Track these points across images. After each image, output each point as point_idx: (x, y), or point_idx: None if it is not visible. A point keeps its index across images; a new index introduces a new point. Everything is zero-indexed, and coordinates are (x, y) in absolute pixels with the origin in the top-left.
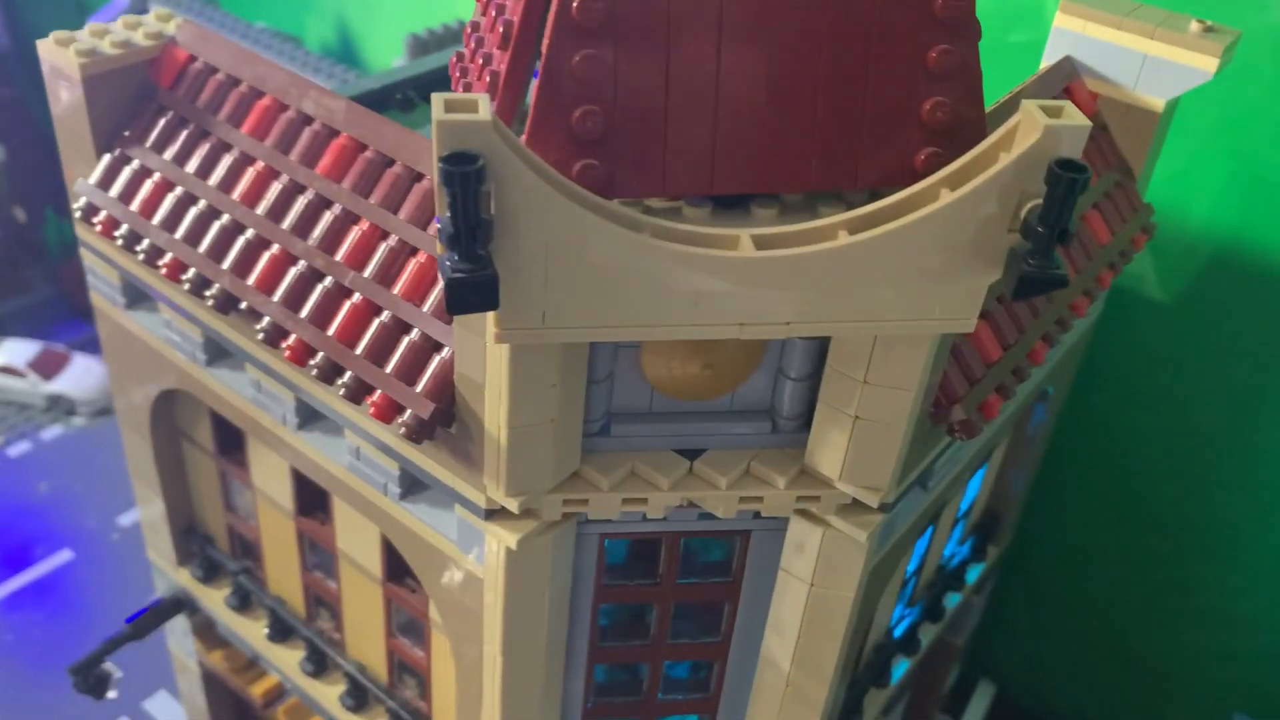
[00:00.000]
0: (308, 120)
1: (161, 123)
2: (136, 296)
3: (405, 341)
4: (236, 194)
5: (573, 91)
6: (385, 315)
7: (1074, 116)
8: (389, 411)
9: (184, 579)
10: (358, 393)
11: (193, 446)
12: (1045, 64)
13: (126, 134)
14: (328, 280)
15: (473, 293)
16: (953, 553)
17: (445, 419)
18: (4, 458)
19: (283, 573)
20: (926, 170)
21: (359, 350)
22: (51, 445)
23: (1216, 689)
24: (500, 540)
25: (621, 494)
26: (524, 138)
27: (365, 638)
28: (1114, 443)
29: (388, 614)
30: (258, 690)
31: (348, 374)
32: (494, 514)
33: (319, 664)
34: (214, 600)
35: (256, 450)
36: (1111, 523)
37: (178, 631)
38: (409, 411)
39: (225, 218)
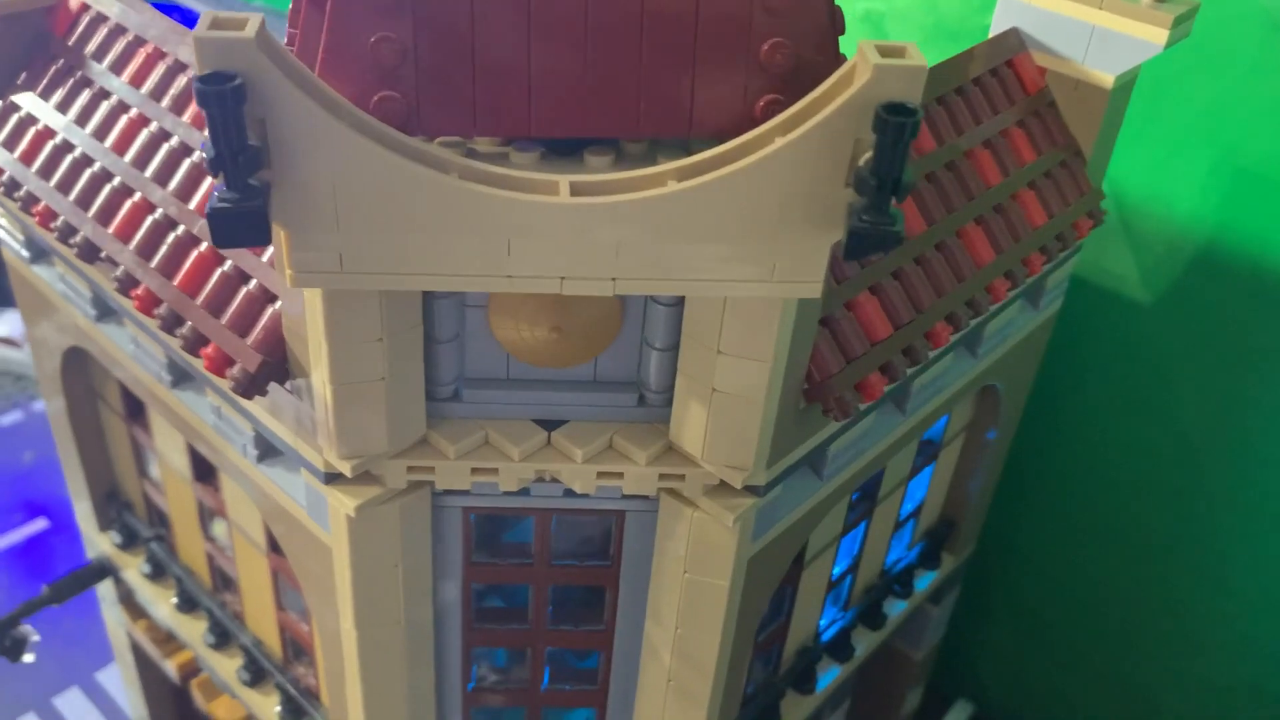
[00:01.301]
0: (183, 68)
1: (51, 71)
2: (39, 251)
3: (243, 292)
4: (109, 142)
5: (367, 17)
6: (228, 265)
7: (912, 57)
8: (220, 364)
9: (105, 545)
10: (194, 344)
11: (107, 409)
12: (992, 35)
13: (19, 82)
14: (180, 229)
15: (237, 223)
16: (899, 558)
17: (278, 374)
18: None
19: (189, 542)
20: (767, 118)
21: (199, 300)
22: (42, 416)
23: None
24: (340, 506)
25: (470, 463)
26: (317, 67)
27: (260, 611)
28: (1096, 453)
29: (275, 587)
30: (176, 662)
31: (187, 324)
32: (336, 478)
33: (221, 637)
34: (131, 568)
35: (154, 412)
36: (1096, 539)
37: (108, 600)
38: (238, 365)
39: (97, 165)
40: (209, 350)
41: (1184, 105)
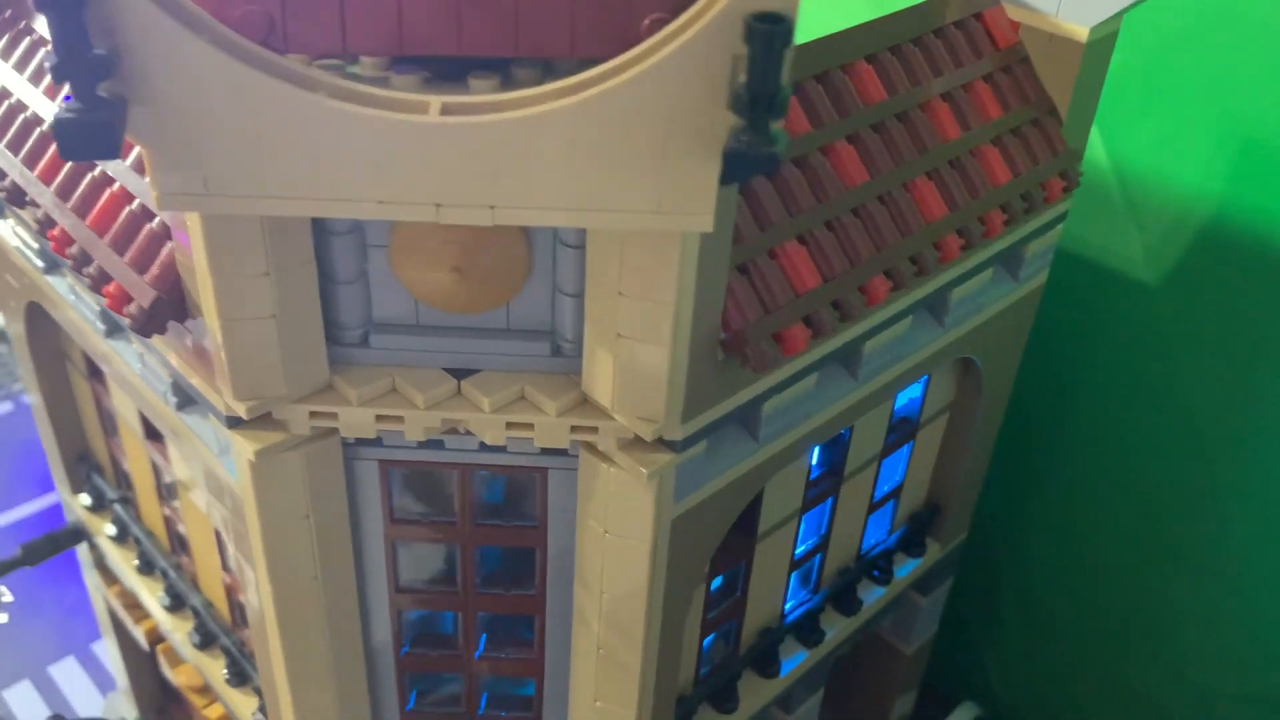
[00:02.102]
0: None
1: None
2: None
3: (145, 229)
4: (43, 86)
5: None
6: (135, 203)
7: None
8: (120, 301)
9: (78, 508)
10: (99, 282)
11: (73, 369)
12: None
13: None
14: (97, 169)
15: (84, 135)
16: (878, 541)
17: (176, 312)
18: None
19: (149, 503)
20: (652, 37)
21: (107, 239)
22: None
23: None
24: (242, 451)
25: (375, 410)
26: None
27: (209, 573)
28: (1103, 446)
29: (219, 547)
30: (145, 628)
31: (94, 263)
32: (239, 423)
33: (175, 600)
34: (99, 530)
35: (102, 366)
36: (1105, 537)
37: (86, 565)
38: (134, 301)
39: (30, 110)
40: (111, 288)
41: (1187, 74)
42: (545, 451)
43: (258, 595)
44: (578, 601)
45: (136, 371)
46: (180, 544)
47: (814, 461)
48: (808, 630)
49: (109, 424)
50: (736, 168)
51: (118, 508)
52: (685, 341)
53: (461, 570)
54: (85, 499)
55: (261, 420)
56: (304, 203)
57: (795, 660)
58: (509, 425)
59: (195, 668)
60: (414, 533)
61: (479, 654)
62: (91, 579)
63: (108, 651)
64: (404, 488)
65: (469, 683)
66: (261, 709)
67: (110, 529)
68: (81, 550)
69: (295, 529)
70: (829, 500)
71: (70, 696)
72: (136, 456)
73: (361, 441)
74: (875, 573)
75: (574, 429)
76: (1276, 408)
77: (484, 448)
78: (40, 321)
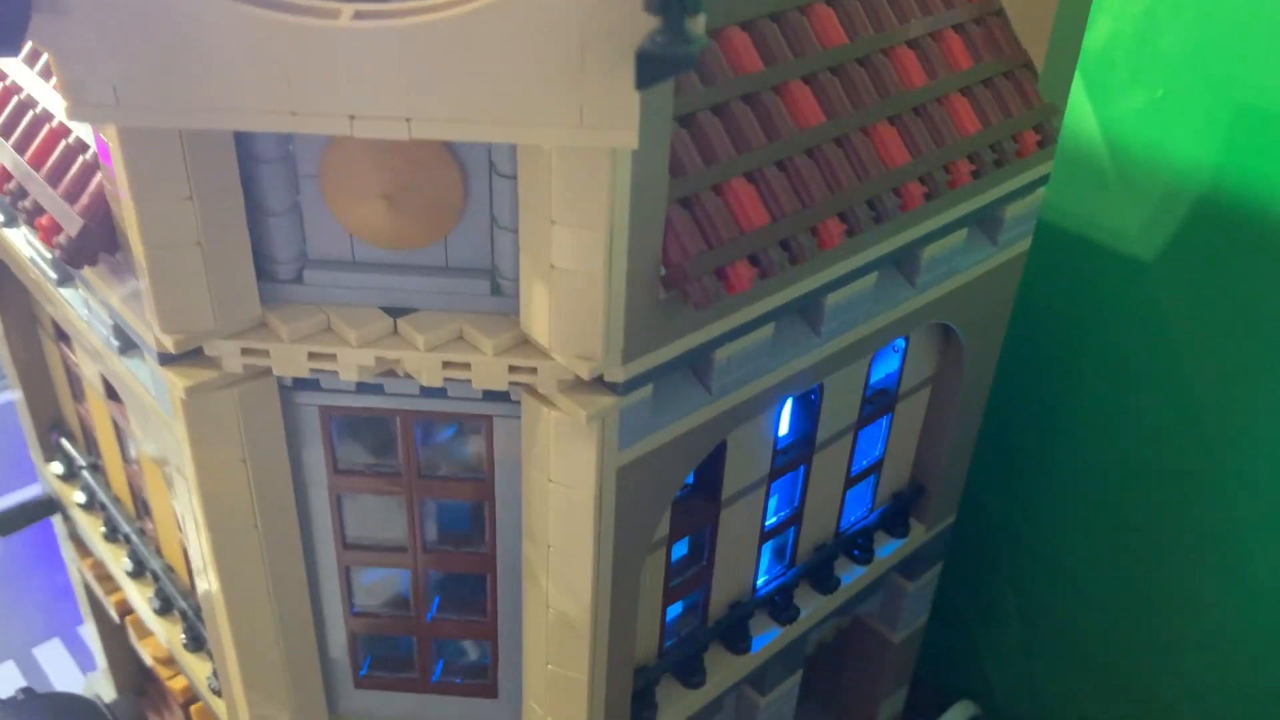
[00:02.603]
0: None
1: None
2: None
3: (79, 160)
4: None
5: None
6: (72, 137)
7: None
8: (51, 232)
9: (50, 477)
10: (33, 215)
11: (44, 333)
12: None
13: None
14: (39, 106)
15: None
16: (859, 519)
17: (105, 242)
18: None
19: (115, 467)
20: None
21: (42, 173)
22: None
23: None
24: (173, 388)
25: (307, 347)
26: None
27: (168, 535)
28: (1100, 431)
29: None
30: (114, 600)
31: (29, 196)
32: (171, 360)
33: (138, 565)
34: (69, 498)
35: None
36: (1104, 527)
37: (62, 537)
38: (63, 231)
39: None
40: (43, 220)
41: (1177, 40)
42: (488, 397)
43: (199, 547)
44: (526, 558)
45: (84, 319)
46: (144, 509)
47: (783, 428)
48: (781, 607)
49: (77, 388)
50: (650, 68)
51: (86, 474)
52: (622, 273)
53: (409, 526)
54: (57, 467)
55: (194, 358)
56: (214, 113)
57: (768, 637)
58: (446, 365)
59: (156, 634)
60: (358, 484)
61: (430, 616)
62: (67, 551)
63: (88, 631)
64: (346, 437)
65: (422, 648)
66: (216, 674)
67: (80, 496)
68: (58, 524)
69: (232, 474)
70: (800, 470)
71: (54, 678)
72: (101, 419)
73: (300, 385)
74: (855, 552)
75: (512, 369)
76: (1274, 381)
77: (425, 393)
78: (8, 284)
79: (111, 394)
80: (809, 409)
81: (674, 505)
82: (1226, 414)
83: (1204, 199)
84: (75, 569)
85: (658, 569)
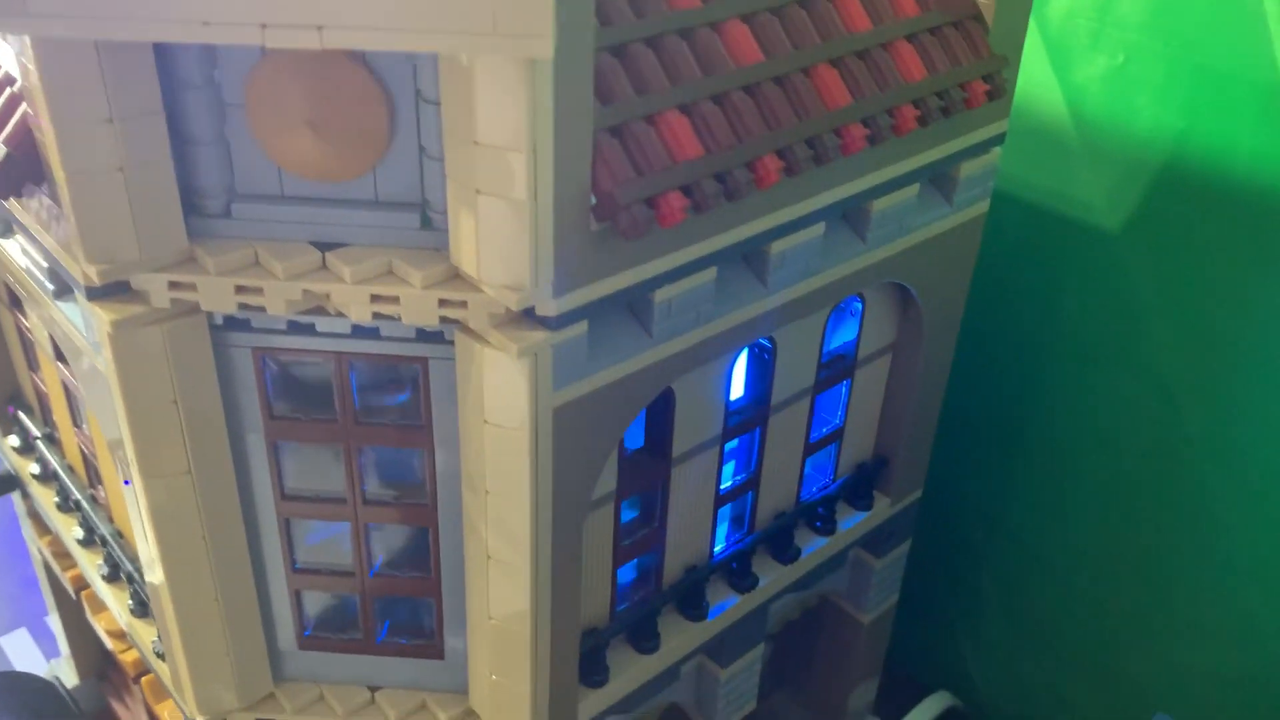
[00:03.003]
0: None
1: None
2: None
3: (7, 92)
4: None
5: None
6: (2, 72)
7: None
8: None
9: (7, 450)
10: None
11: (1, 305)
12: None
13: None
14: None
15: None
16: (821, 487)
17: (30, 171)
18: None
19: (68, 435)
20: None
21: None
22: None
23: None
24: (100, 323)
25: (235, 280)
26: None
27: (118, 499)
28: (1074, 412)
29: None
30: (71, 575)
31: None
32: (99, 294)
33: (88, 532)
34: (25, 472)
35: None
36: (1082, 510)
37: (21, 515)
38: None
39: None
40: None
41: (1137, 6)
42: (422, 338)
43: (135, 498)
44: (466, 507)
45: (23, 268)
46: (95, 476)
47: (737, 389)
48: (740, 574)
49: (32, 356)
50: None
51: (41, 445)
52: (549, 198)
53: (347, 476)
54: (14, 440)
55: (122, 294)
56: (126, 23)
57: (725, 605)
58: (374, 300)
59: (106, 603)
60: (295, 431)
61: (373, 573)
62: (27, 530)
63: (54, 621)
64: (281, 382)
65: (365, 607)
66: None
67: (34, 468)
68: (19, 503)
69: (163, 416)
70: (756, 432)
71: (20, 667)
72: (53, 385)
73: (231, 325)
74: (818, 523)
75: (443, 304)
76: (1246, 353)
77: (357, 333)
78: None
79: (60, 355)
80: (763, 369)
81: (623, 462)
82: (1197, 385)
83: (1168, 165)
84: (35, 548)
85: (606, 526)
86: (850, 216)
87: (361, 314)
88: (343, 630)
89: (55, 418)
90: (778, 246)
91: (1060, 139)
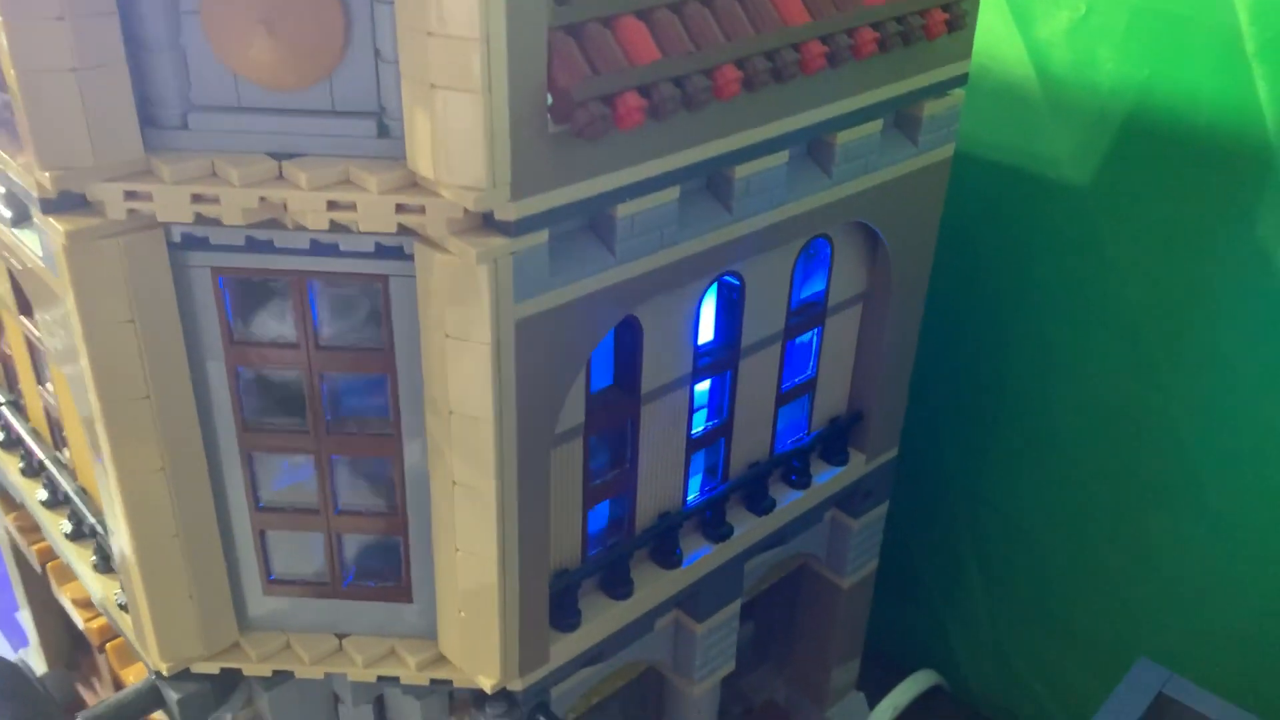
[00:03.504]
0: None
1: None
2: None
3: None
4: None
5: None
6: None
7: None
8: None
9: None
10: None
11: None
12: None
13: None
14: None
15: None
16: (796, 440)
17: None
18: None
19: (33, 396)
20: None
21: None
22: None
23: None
24: (55, 236)
25: (190, 189)
26: None
27: (82, 453)
28: (1048, 371)
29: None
30: (38, 549)
31: None
32: (54, 207)
33: (53, 493)
34: None
35: None
36: (1060, 476)
37: None
38: None
39: None
40: None
41: None
42: (382, 254)
43: (94, 430)
44: (430, 431)
45: None
46: (60, 438)
47: (707, 331)
48: (714, 523)
49: None
50: None
51: (5, 411)
52: (504, 91)
53: (309, 405)
54: None
55: (78, 207)
56: None
57: (700, 554)
58: (331, 206)
59: (65, 564)
60: (254, 357)
61: (338, 509)
62: None
63: (24, 616)
64: (241, 306)
65: (331, 547)
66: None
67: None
68: None
69: (120, 336)
70: (727, 376)
71: None
72: (17, 343)
73: (189, 244)
74: (793, 477)
75: (400, 210)
76: (1218, 300)
77: (316, 250)
78: None
79: (24, 308)
80: (733, 311)
81: (591, 399)
82: (1170, 335)
83: (1133, 115)
84: (1, 528)
85: (575, 462)
86: (815, 151)
87: (319, 221)
88: (309, 574)
89: (20, 380)
90: (741, 171)
91: (1025, 96)
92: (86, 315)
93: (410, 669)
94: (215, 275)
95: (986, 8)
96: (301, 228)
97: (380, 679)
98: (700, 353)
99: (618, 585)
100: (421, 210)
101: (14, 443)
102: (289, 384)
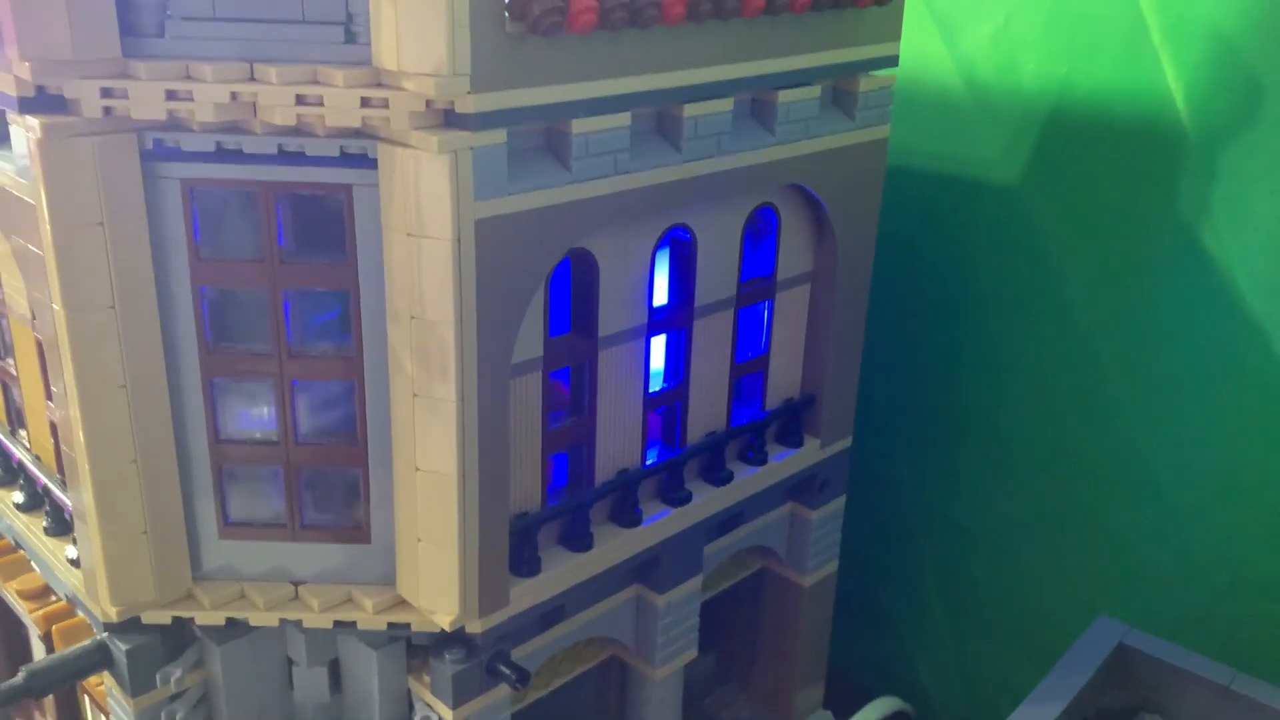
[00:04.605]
0: None
1: None
2: None
3: None
4: None
5: None
6: None
7: None
8: None
9: None
10: None
11: None
12: None
13: None
14: None
15: None
16: (752, 417)
17: None
18: None
19: None
20: None
21: None
22: None
23: None
24: (30, 132)
25: (165, 85)
26: None
27: (36, 415)
28: (996, 370)
29: (42, 366)
30: None
31: None
32: (31, 106)
33: (6, 469)
34: None
35: None
36: (1010, 480)
37: None
38: None
39: None
40: None
41: None
42: (346, 162)
43: (56, 343)
44: (391, 344)
45: None
46: (17, 416)
47: (660, 292)
48: (672, 487)
49: None
50: None
51: None
52: None
53: (273, 325)
54: None
55: (54, 107)
56: None
57: (659, 516)
58: (299, 101)
59: (12, 548)
60: (220, 273)
61: (299, 440)
62: None
63: None
64: (208, 220)
65: (290, 481)
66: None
67: None
68: None
69: (88, 240)
70: (682, 336)
71: None
72: None
73: (160, 154)
74: (749, 454)
75: (365, 104)
76: (1150, 276)
77: (283, 157)
78: None
79: None
80: (685, 270)
81: (550, 342)
82: (1108, 324)
83: (1055, 111)
84: None
85: (533, 397)
86: (759, 111)
87: (287, 117)
88: (266, 517)
89: None
90: (690, 111)
91: (955, 105)
92: (56, 215)
93: (368, 612)
94: (185, 187)
95: (915, 26)
96: (271, 131)
97: (337, 624)
98: (656, 310)
99: (577, 537)
100: (385, 104)
101: None
102: (252, 305)
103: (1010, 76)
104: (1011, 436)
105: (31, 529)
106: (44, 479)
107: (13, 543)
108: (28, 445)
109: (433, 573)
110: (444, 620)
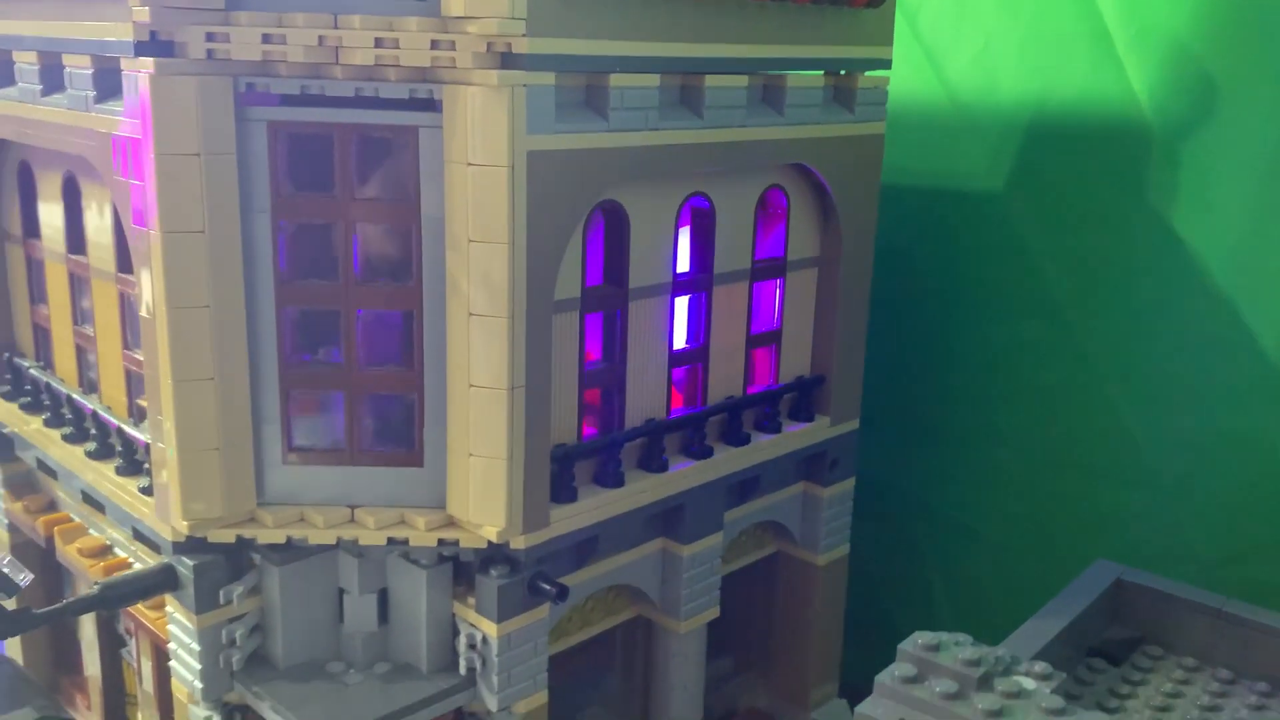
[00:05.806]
0: None
1: None
2: None
3: None
4: None
5: None
6: None
7: None
8: None
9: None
10: None
11: (11, 243)
12: None
13: None
14: None
15: None
16: (766, 387)
17: None
18: None
19: (63, 345)
20: None
21: None
22: None
23: None
24: (143, 68)
25: (261, 29)
26: None
27: (111, 370)
28: (984, 363)
29: (122, 318)
30: (42, 522)
31: None
32: (145, 49)
33: (78, 427)
34: (13, 417)
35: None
36: (1002, 469)
37: None
38: None
39: None
40: None
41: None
42: (414, 105)
43: (149, 264)
44: (450, 270)
45: (59, 103)
46: (89, 382)
47: (684, 257)
48: (695, 442)
49: (37, 288)
50: None
51: (35, 373)
52: None
53: (341, 256)
54: (2, 386)
55: (164, 52)
56: None
57: (683, 465)
58: (377, 44)
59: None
60: (300, 208)
61: (361, 365)
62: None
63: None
64: (289, 161)
65: (352, 404)
66: (149, 476)
67: (25, 400)
68: None
69: (186, 168)
70: (703, 297)
71: None
72: (56, 290)
73: (251, 99)
74: (764, 423)
75: (434, 45)
76: (1125, 269)
77: (359, 101)
78: None
79: (74, 248)
80: (705, 237)
81: (586, 290)
82: (1091, 316)
83: (1033, 122)
84: (3, 529)
85: (572, 335)
86: (769, 95)
87: (366, 57)
88: (327, 443)
89: (53, 331)
90: (710, 82)
91: (942, 124)
92: (161, 143)
93: (419, 530)
94: (271, 129)
95: (905, 56)
96: (350, 75)
97: (390, 541)
98: (679, 275)
99: (611, 473)
100: (452, 46)
101: (40, 405)
102: (324, 242)
103: (991, 94)
104: (1008, 432)
105: (103, 473)
106: (117, 423)
107: (79, 497)
108: (99, 393)
109: (482, 486)
110: (491, 533)
